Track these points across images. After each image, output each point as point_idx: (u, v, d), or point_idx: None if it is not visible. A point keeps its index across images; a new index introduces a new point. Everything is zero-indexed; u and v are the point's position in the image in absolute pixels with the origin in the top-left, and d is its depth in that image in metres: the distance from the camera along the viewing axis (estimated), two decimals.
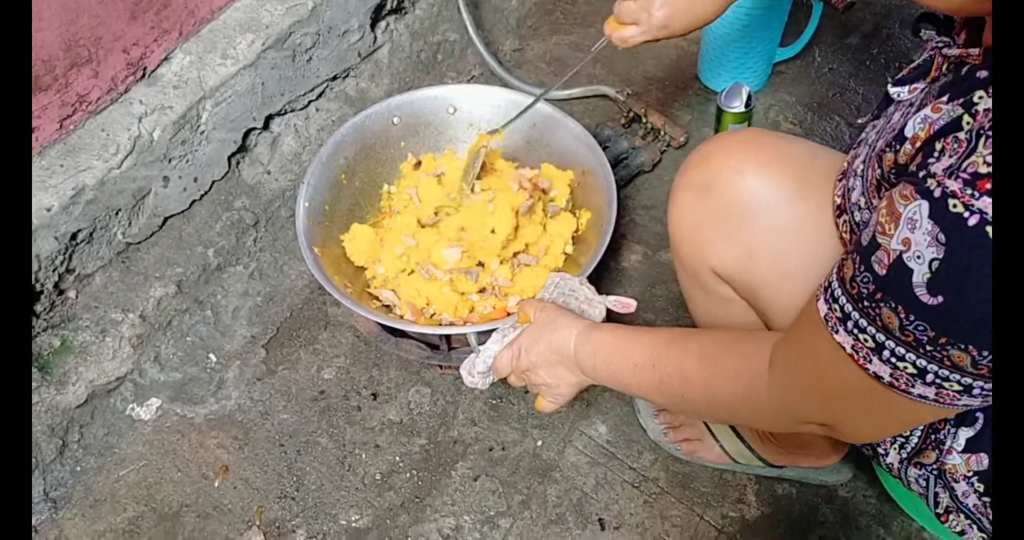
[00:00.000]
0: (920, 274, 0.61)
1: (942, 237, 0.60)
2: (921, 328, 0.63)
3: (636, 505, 1.35)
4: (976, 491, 0.86)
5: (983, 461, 0.84)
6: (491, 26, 1.94)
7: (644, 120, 1.74)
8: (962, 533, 0.91)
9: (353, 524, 1.35)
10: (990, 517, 0.86)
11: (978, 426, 0.84)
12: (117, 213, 1.38)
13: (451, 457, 1.41)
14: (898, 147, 0.73)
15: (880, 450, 0.94)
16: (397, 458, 1.41)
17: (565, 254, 1.44)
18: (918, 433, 0.89)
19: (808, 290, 0.86)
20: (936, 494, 0.90)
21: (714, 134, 1.73)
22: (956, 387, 0.66)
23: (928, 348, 0.64)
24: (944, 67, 0.77)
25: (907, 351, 0.66)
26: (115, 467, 1.41)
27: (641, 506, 1.35)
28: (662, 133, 1.72)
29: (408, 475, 1.39)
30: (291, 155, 1.65)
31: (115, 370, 1.43)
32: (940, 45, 0.79)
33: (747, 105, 1.64)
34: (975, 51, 0.70)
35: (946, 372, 0.65)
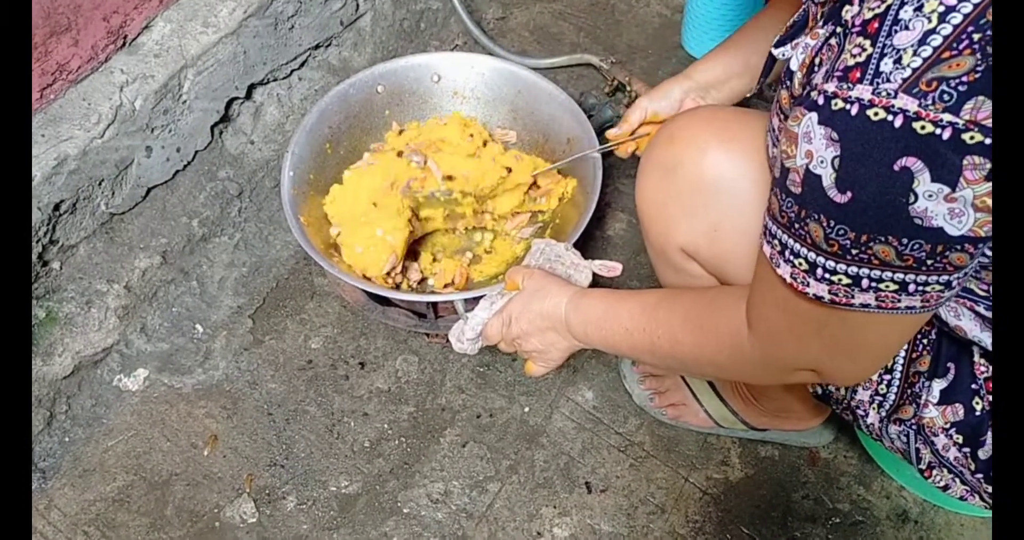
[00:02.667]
0: (828, 176, 0.64)
1: (835, 135, 0.62)
2: (842, 231, 0.65)
3: (622, 468, 1.37)
4: (956, 443, 0.88)
5: (959, 412, 0.86)
6: None
7: (628, 89, 1.74)
8: (946, 487, 0.93)
9: (343, 490, 1.36)
10: (971, 469, 0.88)
11: (950, 377, 0.87)
12: (100, 183, 1.37)
13: (439, 424, 1.42)
14: (789, 83, 0.76)
15: (860, 412, 0.95)
16: (386, 426, 1.42)
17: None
18: (894, 389, 0.91)
19: None
20: (918, 450, 0.92)
21: None
22: (892, 287, 0.67)
23: (854, 252, 0.66)
24: (819, 15, 0.78)
25: (837, 262, 0.68)
26: (103, 437, 1.41)
27: (627, 469, 1.37)
28: None
29: (397, 442, 1.40)
30: (274, 125, 1.64)
31: (101, 341, 1.43)
32: None
33: None
34: None
35: (878, 273, 0.67)
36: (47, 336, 1.37)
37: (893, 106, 0.59)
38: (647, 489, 1.35)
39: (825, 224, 0.66)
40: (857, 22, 0.62)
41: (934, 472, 0.92)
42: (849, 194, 0.63)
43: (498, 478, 1.37)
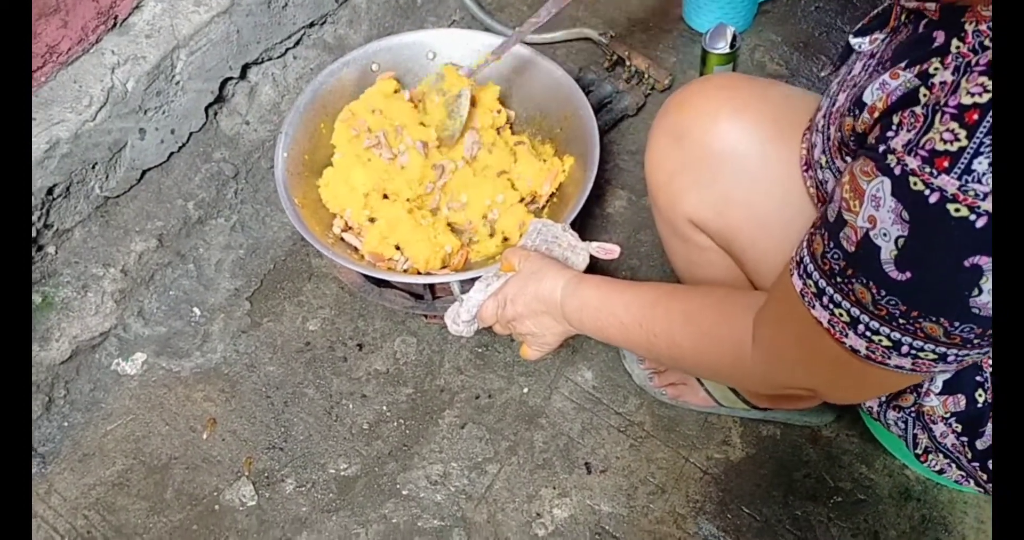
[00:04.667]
0: (888, 251, 0.62)
1: (906, 215, 0.60)
2: (893, 302, 0.64)
3: (622, 449, 1.36)
4: (954, 431, 0.86)
5: (960, 402, 0.85)
6: None
7: (628, 63, 1.71)
8: (941, 472, 0.92)
9: (342, 473, 1.36)
10: (968, 456, 0.87)
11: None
12: (94, 167, 1.36)
13: (438, 405, 1.41)
14: (857, 113, 0.72)
15: None
16: (384, 407, 1.42)
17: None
18: None
19: (781, 236, 0.86)
20: (915, 435, 0.91)
21: (699, 76, 1.71)
22: (931, 356, 0.67)
23: (901, 321, 0.65)
24: (903, 17, 0.75)
25: (881, 324, 0.66)
26: (102, 422, 1.41)
27: (627, 450, 1.36)
28: (646, 76, 1.70)
29: (395, 424, 1.40)
30: (269, 105, 1.62)
31: (98, 325, 1.43)
32: None
33: (732, 46, 1.62)
34: (932, 5, 0.67)
35: (920, 343, 0.66)
36: (44, 321, 1.37)
37: (979, 207, 0.56)
38: (647, 469, 1.35)
39: (875, 291, 0.65)
40: (952, 103, 0.58)
41: (930, 457, 0.91)
42: (908, 274, 0.61)
43: (497, 459, 1.36)
